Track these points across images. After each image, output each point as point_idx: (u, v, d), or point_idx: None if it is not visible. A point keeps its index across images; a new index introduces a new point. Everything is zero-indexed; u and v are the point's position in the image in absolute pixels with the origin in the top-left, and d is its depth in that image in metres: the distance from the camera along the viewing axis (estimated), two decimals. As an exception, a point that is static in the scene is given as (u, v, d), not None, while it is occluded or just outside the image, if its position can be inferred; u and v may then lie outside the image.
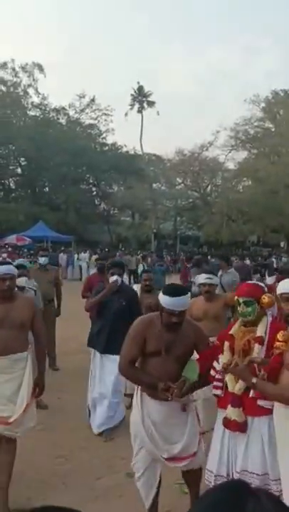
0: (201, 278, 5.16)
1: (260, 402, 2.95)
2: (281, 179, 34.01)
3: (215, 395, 3.24)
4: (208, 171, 41.78)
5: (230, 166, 42.93)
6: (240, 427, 2.99)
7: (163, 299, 3.15)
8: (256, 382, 2.78)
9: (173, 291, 3.22)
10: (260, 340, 3.02)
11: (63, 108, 43.58)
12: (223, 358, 3.12)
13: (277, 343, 2.85)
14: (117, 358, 4.82)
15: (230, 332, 3.20)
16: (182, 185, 44.85)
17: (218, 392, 3.17)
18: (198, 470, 3.32)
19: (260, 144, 40.17)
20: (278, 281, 8.22)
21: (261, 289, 3.25)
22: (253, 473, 2.93)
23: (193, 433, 3.27)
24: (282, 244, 40.27)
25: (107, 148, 45.18)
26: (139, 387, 3.38)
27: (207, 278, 5.07)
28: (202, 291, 5.13)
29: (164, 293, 3.18)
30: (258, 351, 2.98)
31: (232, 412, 3.01)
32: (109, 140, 45.50)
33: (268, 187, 35.16)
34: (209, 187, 44.56)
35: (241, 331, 3.16)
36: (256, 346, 3.02)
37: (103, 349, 5.11)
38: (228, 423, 3.04)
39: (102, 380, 5.12)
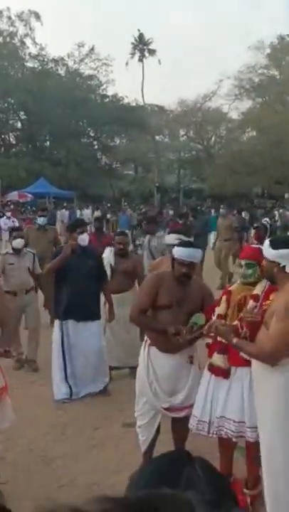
0: (171, 238, 5.09)
1: (242, 354, 3.10)
2: (285, 128, 33.31)
3: (207, 344, 3.44)
4: (211, 121, 40.87)
5: (234, 116, 41.99)
6: (224, 373, 3.20)
7: (176, 250, 3.44)
8: (236, 343, 2.92)
9: (186, 243, 3.61)
10: (255, 297, 3.14)
11: (62, 58, 42.30)
12: (219, 309, 3.32)
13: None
14: (94, 324, 4.97)
15: (230, 288, 3.37)
16: (185, 137, 44.04)
17: (210, 340, 3.37)
18: (188, 418, 3.50)
19: (265, 93, 39.05)
20: (256, 239, 8.15)
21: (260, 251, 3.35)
22: (231, 420, 3.14)
23: (194, 384, 3.45)
24: (286, 195, 39.91)
25: (107, 99, 44.11)
26: (147, 342, 3.56)
27: (178, 239, 4.99)
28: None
29: (178, 245, 3.50)
30: (251, 307, 3.11)
31: (217, 358, 3.22)
32: (110, 91, 44.37)
33: (272, 137, 34.49)
34: (213, 138, 43.74)
35: (240, 288, 3.37)
36: (251, 302, 3.14)
37: (79, 317, 4.85)
38: (212, 368, 3.26)
39: (81, 349, 4.89)
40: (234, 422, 3.15)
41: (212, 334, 3.16)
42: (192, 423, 3.33)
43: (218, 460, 3.41)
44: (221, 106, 41.33)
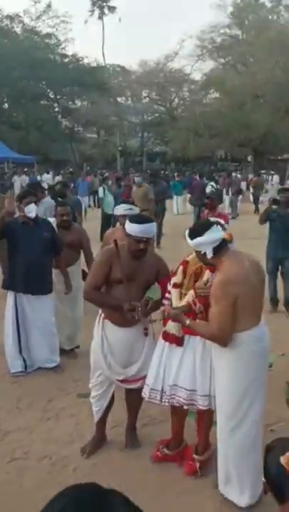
0: (121, 209, 4.99)
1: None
2: (248, 90, 33.12)
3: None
4: (174, 83, 40.22)
5: (197, 77, 41.39)
6: (177, 340, 3.21)
7: (130, 226, 3.30)
8: (189, 324, 2.98)
9: (140, 218, 3.42)
10: (211, 268, 3.13)
11: (17, 15, 40.37)
12: (175, 279, 3.29)
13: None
14: (47, 297, 4.88)
15: (188, 258, 3.33)
16: (148, 99, 43.25)
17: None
18: (141, 388, 3.52)
19: (227, 53, 38.51)
20: (208, 208, 8.12)
21: (221, 226, 3.35)
22: (182, 388, 3.17)
23: (148, 356, 3.44)
24: (249, 158, 40.10)
25: (67, 60, 42.54)
26: (101, 316, 3.52)
27: (127, 209, 4.89)
28: (120, 223, 4.95)
29: (130, 221, 3.33)
30: (207, 277, 3.11)
31: (172, 327, 3.21)
32: (70, 51, 42.86)
33: (235, 99, 34.27)
34: (176, 100, 43.14)
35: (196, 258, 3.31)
36: (207, 272, 3.14)
37: (33, 290, 4.74)
38: (166, 336, 3.26)
39: (35, 322, 4.81)
40: (186, 390, 3.19)
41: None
42: (145, 392, 3.36)
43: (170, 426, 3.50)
44: (184, 67, 40.70)
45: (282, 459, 1.51)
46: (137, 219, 3.40)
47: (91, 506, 0.70)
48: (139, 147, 43.99)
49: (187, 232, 2.96)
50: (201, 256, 2.96)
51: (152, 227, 3.40)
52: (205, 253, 2.87)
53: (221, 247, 2.87)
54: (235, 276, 2.78)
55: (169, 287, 3.32)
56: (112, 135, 41.68)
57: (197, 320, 3.05)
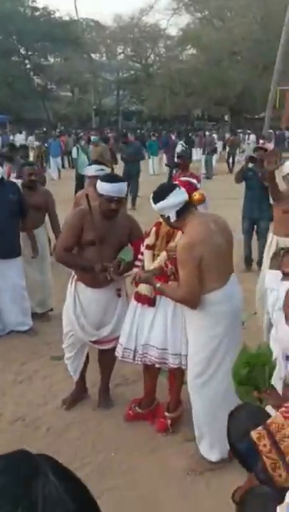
0: (92, 169, 4.84)
1: None
2: (225, 46, 32.44)
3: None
4: (149, 38, 39.10)
5: (173, 32, 40.31)
6: (149, 301, 3.21)
7: (101, 185, 3.26)
8: (159, 287, 2.96)
9: (111, 178, 3.37)
10: (163, 219, 3.09)
11: None
12: (148, 240, 3.28)
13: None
14: (16, 261, 4.76)
15: (160, 220, 3.27)
16: (123, 55, 42.02)
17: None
18: (114, 349, 3.52)
19: (204, 7, 37.40)
20: (180, 167, 7.93)
21: (193, 186, 3.35)
22: (154, 347, 3.19)
23: (121, 317, 3.44)
24: (226, 117, 39.68)
25: (38, 13, 40.82)
26: (74, 277, 3.49)
27: (98, 170, 4.72)
28: (91, 184, 4.73)
29: (101, 180, 3.29)
30: (179, 237, 3.07)
31: (144, 288, 3.21)
32: (40, 3, 41.03)
33: (211, 55, 33.57)
34: (151, 57, 42.03)
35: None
36: (179, 233, 3.10)
37: (2, 254, 4.62)
38: (138, 297, 3.27)
39: (5, 286, 4.73)
40: (157, 348, 3.21)
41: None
42: (118, 351, 3.37)
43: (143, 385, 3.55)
44: (159, 21, 39.55)
45: (254, 435, 1.48)
46: (108, 178, 3.35)
47: (19, 472, 0.66)
48: (115, 106, 43.02)
49: (151, 195, 2.92)
50: (165, 219, 2.93)
51: (123, 186, 3.35)
52: (169, 216, 2.84)
53: (185, 210, 2.84)
54: (198, 238, 2.76)
55: (142, 248, 3.30)
56: (87, 93, 40.54)
57: (169, 282, 3.04)
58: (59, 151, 17.99)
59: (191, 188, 3.21)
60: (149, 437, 3.34)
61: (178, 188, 2.89)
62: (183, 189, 2.91)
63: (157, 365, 3.30)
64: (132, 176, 10.77)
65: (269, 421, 1.48)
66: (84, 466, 3.05)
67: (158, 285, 2.98)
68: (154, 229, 3.30)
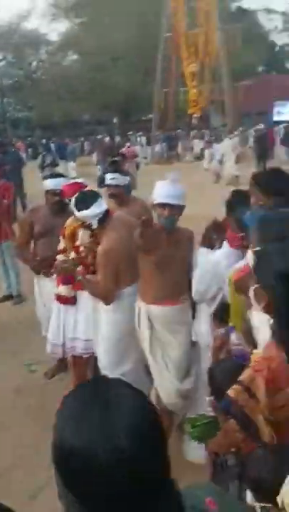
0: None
1: None
2: (106, 51, 32.84)
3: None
4: (30, 44, 38.43)
5: (54, 38, 40.02)
6: (69, 301, 3.49)
7: (46, 182, 3.95)
8: (80, 279, 3.19)
9: (53, 175, 4.13)
10: (84, 226, 3.29)
11: None
12: (59, 246, 3.56)
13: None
14: None
15: (65, 224, 3.52)
16: (4, 61, 40.87)
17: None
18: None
19: (83, 13, 37.59)
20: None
21: (79, 186, 3.50)
22: (79, 338, 3.47)
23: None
24: (114, 120, 40.21)
25: None
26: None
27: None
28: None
29: (44, 178, 4.02)
30: (81, 234, 3.33)
31: (63, 289, 3.48)
32: None
33: (94, 61, 33.81)
34: (34, 63, 41.36)
35: (72, 221, 3.48)
36: (81, 231, 3.31)
37: None
38: (59, 298, 3.53)
39: None
40: (81, 340, 3.47)
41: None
42: (48, 347, 3.63)
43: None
44: (39, 27, 38.99)
45: (232, 392, 1.54)
46: (50, 175, 4.17)
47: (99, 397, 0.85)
48: (1, 114, 41.69)
49: (73, 202, 3.06)
50: (86, 225, 3.11)
51: (61, 180, 3.89)
52: (90, 223, 3.05)
53: (105, 218, 3.04)
54: (115, 244, 2.98)
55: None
56: None
57: (87, 276, 3.23)
58: None
59: (77, 189, 3.35)
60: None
61: (100, 199, 3.06)
62: (103, 200, 3.08)
63: (84, 356, 3.51)
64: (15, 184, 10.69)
65: (242, 377, 1.55)
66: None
67: (79, 277, 3.19)
68: (61, 235, 3.54)
